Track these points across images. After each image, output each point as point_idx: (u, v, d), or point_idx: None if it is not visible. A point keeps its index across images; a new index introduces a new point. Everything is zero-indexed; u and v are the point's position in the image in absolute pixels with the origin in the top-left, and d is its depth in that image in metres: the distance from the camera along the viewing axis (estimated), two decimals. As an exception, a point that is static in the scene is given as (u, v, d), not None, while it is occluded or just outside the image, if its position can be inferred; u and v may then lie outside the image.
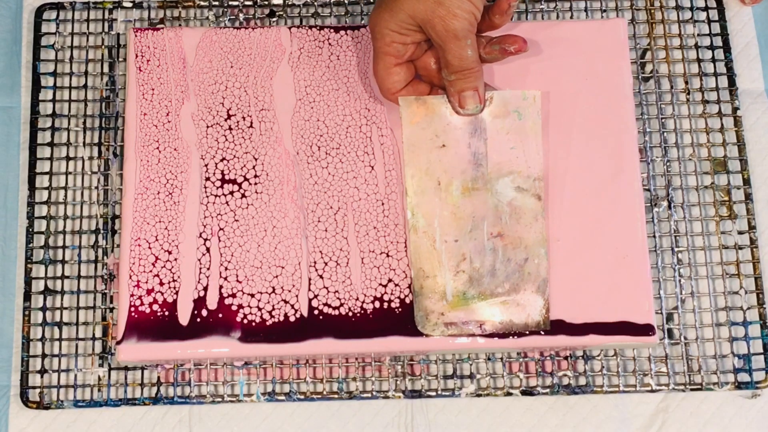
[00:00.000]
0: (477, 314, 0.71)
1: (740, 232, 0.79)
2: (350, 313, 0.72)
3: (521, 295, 0.72)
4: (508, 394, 0.76)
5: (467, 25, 0.68)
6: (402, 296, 0.73)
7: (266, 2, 0.83)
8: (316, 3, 0.83)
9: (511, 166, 0.73)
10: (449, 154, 0.73)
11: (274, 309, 0.72)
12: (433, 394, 0.76)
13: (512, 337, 0.72)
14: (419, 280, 0.72)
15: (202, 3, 0.83)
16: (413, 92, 0.73)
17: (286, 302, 0.72)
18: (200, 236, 0.74)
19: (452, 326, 0.71)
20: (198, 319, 0.72)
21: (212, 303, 0.72)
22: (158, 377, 0.76)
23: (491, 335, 0.72)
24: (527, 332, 0.72)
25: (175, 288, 0.73)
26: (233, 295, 0.73)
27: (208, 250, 0.73)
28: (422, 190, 0.73)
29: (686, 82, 0.82)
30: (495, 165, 0.73)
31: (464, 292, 0.71)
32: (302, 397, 0.76)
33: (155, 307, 0.72)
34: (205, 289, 0.73)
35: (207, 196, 0.74)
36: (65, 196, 0.79)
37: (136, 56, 0.77)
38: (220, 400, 0.76)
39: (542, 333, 0.71)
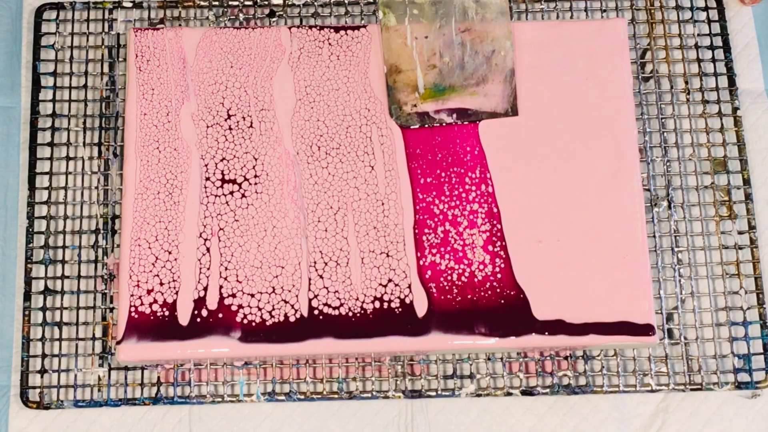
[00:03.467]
0: (448, 104, 0.75)
1: (740, 232, 0.79)
2: (350, 313, 0.72)
3: (489, 85, 0.76)
4: (508, 394, 0.76)
5: None
6: (402, 296, 0.73)
7: (266, 2, 0.83)
8: (316, 3, 0.83)
9: None
10: None
11: (274, 309, 0.72)
12: (433, 394, 0.76)
13: (512, 337, 0.72)
14: (392, 75, 0.76)
15: (202, 3, 0.83)
16: None
17: (286, 302, 0.72)
18: (200, 236, 0.74)
19: (425, 117, 0.75)
20: (198, 319, 0.72)
21: (212, 303, 0.72)
22: (158, 377, 0.76)
23: (486, 335, 0.72)
24: (490, 116, 0.75)
25: (175, 288, 0.73)
26: (233, 295, 0.73)
27: (208, 250, 0.73)
28: None
29: (686, 82, 0.82)
30: None
31: (435, 85, 0.75)
32: (302, 397, 0.76)
33: (155, 307, 0.72)
34: (205, 289, 0.73)
35: (207, 196, 0.74)
36: (65, 196, 0.79)
37: (136, 56, 0.77)
38: (220, 400, 0.76)
39: (513, 114, 0.75)
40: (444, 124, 0.75)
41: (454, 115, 0.75)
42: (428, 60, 0.76)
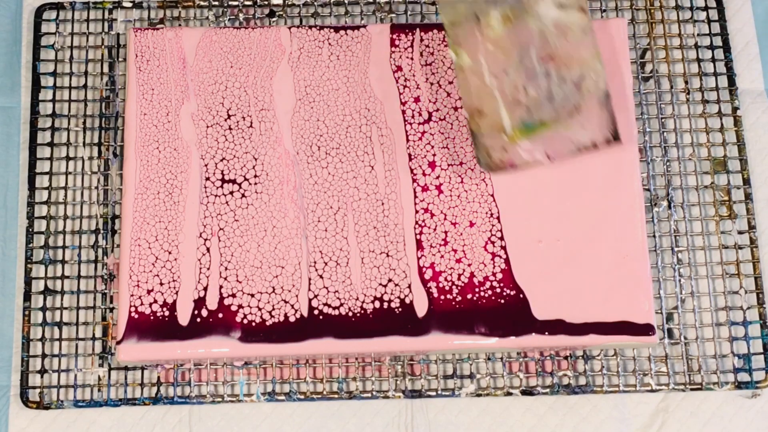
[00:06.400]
0: (541, 142, 0.69)
1: (740, 232, 0.79)
2: (350, 313, 0.72)
3: (584, 114, 0.69)
4: (508, 394, 0.76)
5: None
6: (402, 296, 0.73)
7: (266, 2, 0.83)
8: (316, 3, 0.83)
9: None
10: None
11: (274, 309, 0.72)
12: (433, 394, 0.76)
13: (512, 337, 0.72)
14: (475, 120, 0.70)
15: (202, 3, 0.83)
16: None
17: (286, 302, 0.73)
18: (200, 236, 0.74)
19: (518, 160, 0.69)
20: (198, 319, 0.72)
21: (212, 303, 0.72)
22: (158, 377, 0.76)
23: (486, 335, 0.72)
24: (595, 147, 0.70)
25: (175, 288, 0.73)
26: (233, 295, 0.73)
27: (208, 250, 0.73)
28: (462, 30, 0.70)
29: (686, 82, 0.82)
30: None
31: (524, 123, 0.69)
32: (302, 397, 0.76)
33: (155, 307, 0.72)
34: (205, 289, 0.73)
35: (207, 196, 0.74)
36: (65, 196, 0.79)
37: (136, 56, 0.77)
38: (220, 400, 0.76)
39: (615, 141, 0.69)
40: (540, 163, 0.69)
41: (550, 153, 0.69)
42: (512, 97, 0.69)
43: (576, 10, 0.69)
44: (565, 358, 0.76)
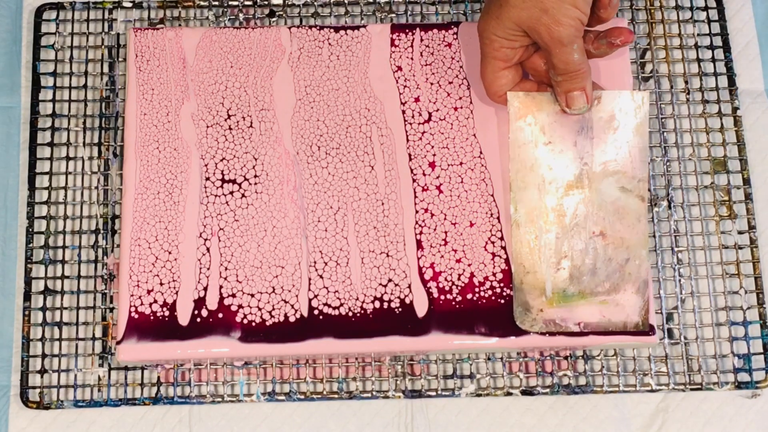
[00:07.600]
0: (576, 312, 0.71)
1: (740, 232, 0.79)
2: (350, 313, 0.72)
3: (621, 295, 0.71)
4: (508, 394, 0.76)
5: (573, 31, 0.68)
6: (402, 296, 0.73)
7: (266, 2, 0.83)
8: (316, 3, 0.83)
9: (617, 166, 0.73)
10: (555, 151, 0.73)
11: (274, 309, 0.72)
12: (433, 394, 0.76)
13: (512, 337, 0.72)
14: (519, 275, 0.72)
15: (202, 3, 0.83)
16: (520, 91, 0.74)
17: (286, 302, 0.72)
18: (200, 236, 0.74)
19: (551, 323, 0.71)
20: (198, 319, 0.72)
21: (212, 303, 0.72)
22: (158, 377, 0.76)
23: (486, 335, 0.72)
24: (625, 332, 0.72)
25: (175, 288, 0.73)
26: (233, 295, 0.73)
27: (208, 250, 0.73)
28: (526, 186, 0.72)
29: (686, 82, 0.82)
30: (600, 164, 0.73)
31: (564, 290, 0.71)
32: (302, 397, 0.76)
33: (155, 307, 0.72)
34: (205, 289, 0.73)
35: (207, 196, 0.74)
36: (65, 196, 0.79)
37: (136, 56, 0.77)
38: (220, 400, 0.76)
39: (643, 328, 0.71)
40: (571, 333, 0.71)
41: (582, 324, 0.71)
42: (558, 262, 0.71)
43: (635, 197, 0.72)
44: (565, 358, 0.76)
